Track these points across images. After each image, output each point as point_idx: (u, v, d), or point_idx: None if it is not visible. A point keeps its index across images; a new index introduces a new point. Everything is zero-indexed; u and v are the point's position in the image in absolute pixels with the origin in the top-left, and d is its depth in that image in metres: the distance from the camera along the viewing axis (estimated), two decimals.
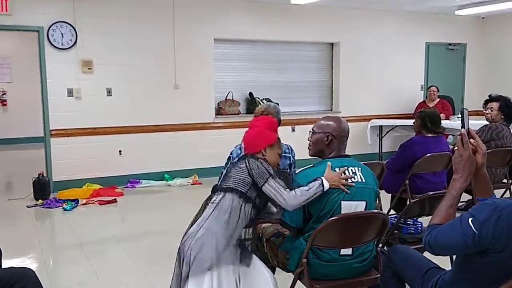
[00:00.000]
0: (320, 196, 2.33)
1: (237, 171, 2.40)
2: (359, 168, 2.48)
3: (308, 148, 2.63)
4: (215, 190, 2.51)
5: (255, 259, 2.49)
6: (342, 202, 2.37)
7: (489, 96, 5.00)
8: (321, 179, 2.32)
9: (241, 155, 2.69)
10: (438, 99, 8.05)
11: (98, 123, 6.56)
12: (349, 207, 2.39)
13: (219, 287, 2.28)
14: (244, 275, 2.41)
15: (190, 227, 2.41)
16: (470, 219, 1.73)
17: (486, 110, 4.90)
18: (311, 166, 2.49)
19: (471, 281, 1.86)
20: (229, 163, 3.53)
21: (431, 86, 8.18)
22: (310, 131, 2.63)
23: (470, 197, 4.56)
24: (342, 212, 2.37)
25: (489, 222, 1.69)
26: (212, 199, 2.41)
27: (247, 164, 2.37)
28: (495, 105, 4.82)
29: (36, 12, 6.08)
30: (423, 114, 4.32)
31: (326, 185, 2.31)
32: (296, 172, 2.62)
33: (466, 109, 2.00)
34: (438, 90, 8.07)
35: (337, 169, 2.41)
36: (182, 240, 2.39)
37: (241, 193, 2.34)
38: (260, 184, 2.33)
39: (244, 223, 2.39)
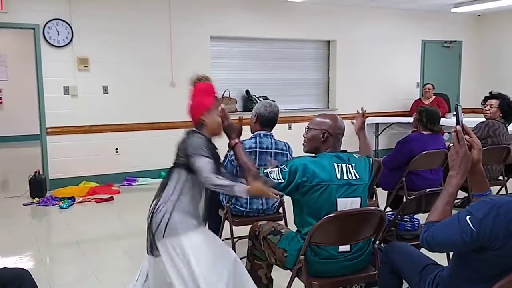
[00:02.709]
0: (312, 190, 2.38)
1: (182, 145, 2.53)
2: (353, 165, 2.50)
3: (303, 144, 2.67)
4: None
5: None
6: (338, 199, 2.40)
7: (490, 93, 5.00)
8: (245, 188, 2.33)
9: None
10: (434, 97, 8.07)
11: (95, 121, 6.54)
12: (345, 204, 2.41)
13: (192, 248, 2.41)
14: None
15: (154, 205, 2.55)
16: (468, 217, 1.73)
17: (485, 107, 4.91)
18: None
19: (468, 277, 1.87)
20: (227, 161, 3.54)
21: (426, 84, 8.20)
22: (305, 128, 2.66)
23: (466, 194, 4.58)
24: (338, 209, 2.39)
25: (487, 219, 1.69)
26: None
27: (187, 138, 2.53)
28: (494, 102, 4.83)
29: (31, 9, 6.05)
30: (422, 110, 4.34)
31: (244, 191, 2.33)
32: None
33: (460, 105, 2.01)
34: (433, 88, 8.09)
35: (335, 164, 2.44)
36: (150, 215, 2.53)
37: (182, 165, 2.48)
38: (190, 156, 2.44)
39: (197, 190, 2.54)
